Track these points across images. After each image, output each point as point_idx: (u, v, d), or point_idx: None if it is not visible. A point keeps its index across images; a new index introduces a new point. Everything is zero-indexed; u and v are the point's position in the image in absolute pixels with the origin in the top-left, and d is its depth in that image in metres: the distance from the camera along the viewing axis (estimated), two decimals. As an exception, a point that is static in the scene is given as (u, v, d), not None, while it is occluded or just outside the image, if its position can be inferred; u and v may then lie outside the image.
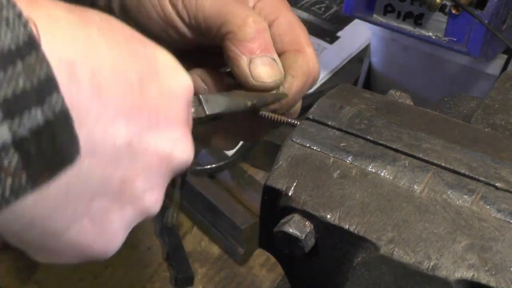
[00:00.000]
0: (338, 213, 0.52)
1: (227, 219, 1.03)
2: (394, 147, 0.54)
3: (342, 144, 0.55)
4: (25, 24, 0.35)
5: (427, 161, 0.53)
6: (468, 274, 0.48)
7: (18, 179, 0.36)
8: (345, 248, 0.52)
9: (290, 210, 0.53)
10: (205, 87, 0.63)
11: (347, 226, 0.51)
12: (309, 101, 0.76)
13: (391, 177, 0.53)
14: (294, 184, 0.53)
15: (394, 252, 0.49)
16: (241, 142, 1.08)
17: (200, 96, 0.57)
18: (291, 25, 0.64)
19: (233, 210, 1.04)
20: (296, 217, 0.52)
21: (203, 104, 0.56)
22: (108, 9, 0.67)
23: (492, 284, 0.47)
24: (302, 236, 0.51)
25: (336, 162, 0.54)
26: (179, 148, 0.46)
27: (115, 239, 0.45)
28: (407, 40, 1.06)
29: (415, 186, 0.52)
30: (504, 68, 1.02)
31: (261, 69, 0.60)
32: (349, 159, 0.54)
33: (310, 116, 0.57)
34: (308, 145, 0.55)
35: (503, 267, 0.48)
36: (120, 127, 0.41)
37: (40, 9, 0.38)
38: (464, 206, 0.51)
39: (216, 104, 0.57)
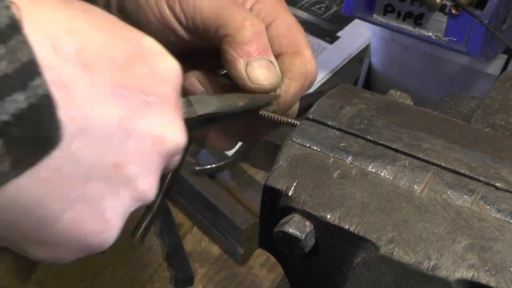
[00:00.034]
0: (338, 213, 0.52)
1: (227, 219, 1.03)
2: (394, 147, 0.54)
3: (342, 144, 0.55)
4: (7, 7, 0.35)
5: (427, 161, 0.53)
6: (468, 274, 0.48)
7: (2, 164, 0.36)
8: (345, 248, 0.52)
9: (290, 210, 0.53)
10: (203, 89, 0.63)
11: (347, 226, 0.51)
12: (309, 101, 0.76)
13: (391, 177, 0.53)
14: (294, 184, 0.53)
15: (394, 252, 0.49)
16: (241, 142, 1.08)
17: (190, 97, 0.56)
18: (289, 27, 0.64)
19: (233, 210, 1.04)
20: (296, 217, 0.52)
21: (194, 105, 0.55)
22: (106, 10, 0.67)
23: (492, 284, 0.47)
24: (302, 236, 0.51)
25: (336, 162, 0.54)
26: (171, 130, 0.46)
27: (112, 227, 0.45)
28: (407, 40, 1.06)
29: (415, 186, 0.52)
30: (504, 68, 1.02)
31: (258, 71, 0.60)
32: (349, 159, 0.54)
33: (310, 116, 0.57)
34: (308, 145, 0.55)
35: (503, 267, 0.48)
36: (110, 107, 0.41)
37: None
38: (464, 206, 0.51)
39: (207, 104, 0.56)
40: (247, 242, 1.02)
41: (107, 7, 0.67)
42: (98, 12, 0.43)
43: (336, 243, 0.52)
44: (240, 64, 0.60)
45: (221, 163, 1.09)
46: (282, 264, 0.59)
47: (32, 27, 0.37)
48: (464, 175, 0.52)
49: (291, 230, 0.52)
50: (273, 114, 0.61)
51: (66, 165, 0.40)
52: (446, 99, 0.76)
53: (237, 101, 0.59)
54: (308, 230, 0.52)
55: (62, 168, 0.40)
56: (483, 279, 0.47)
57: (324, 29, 1.33)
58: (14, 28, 0.35)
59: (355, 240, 0.51)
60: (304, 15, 1.36)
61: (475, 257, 0.48)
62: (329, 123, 0.56)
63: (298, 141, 0.56)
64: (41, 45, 0.37)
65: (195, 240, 1.07)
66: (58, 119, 0.38)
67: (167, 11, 0.63)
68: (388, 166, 0.53)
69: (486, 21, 0.91)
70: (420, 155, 0.53)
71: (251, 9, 0.65)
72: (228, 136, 0.67)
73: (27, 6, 0.38)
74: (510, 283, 0.47)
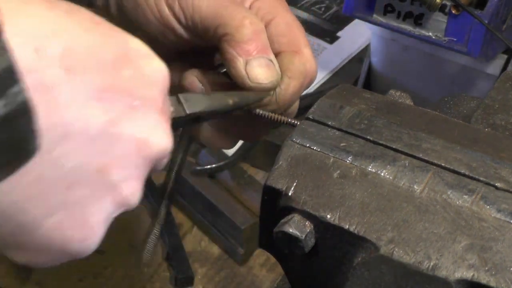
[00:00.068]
0: (338, 213, 0.52)
1: (227, 219, 1.03)
2: (394, 147, 0.54)
3: (342, 144, 0.55)
4: None
5: (427, 161, 0.53)
6: (468, 274, 0.48)
7: None
8: (345, 248, 0.52)
9: (290, 210, 0.53)
10: (202, 87, 0.63)
11: (347, 226, 0.51)
12: (309, 101, 0.76)
13: (391, 177, 0.53)
14: (294, 184, 0.53)
15: (394, 252, 0.49)
16: (240, 142, 1.08)
17: (179, 95, 0.55)
18: (288, 25, 0.64)
19: (233, 210, 1.04)
20: (296, 217, 0.52)
21: (183, 104, 0.54)
22: (105, 10, 0.67)
23: (492, 284, 0.47)
24: (302, 236, 0.51)
25: (336, 162, 0.54)
26: (157, 135, 0.45)
27: (95, 233, 0.44)
28: (407, 40, 1.06)
29: (415, 186, 0.52)
30: (504, 68, 1.02)
31: (258, 70, 0.60)
32: (349, 159, 0.54)
33: (310, 116, 0.57)
34: (308, 145, 0.55)
35: (503, 267, 0.48)
36: (94, 111, 0.40)
37: None
38: (464, 206, 0.51)
39: (196, 103, 0.55)
40: (247, 242, 1.02)
41: (106, 7, 0.67)
42: (83, 13, 0.42)
43: (336, 243, 0.52)
44: (240, 63, 0.60)
45: (221, 163, 1.09)
46: (282, 264, 0.59)
47: (14, 30, 0.36)
48: (464, 175, 0.52)
49: (291, 230, 0.52)
50: (273, 114, 0.61)
51: (48, 170, 0.39)
52: (446, 99, 0.76)
53: (227, 99, 0.58)
54: (308, 230, 0.52)
55: (44, 174, 0.39)
56: (483, 279, 0.47)
57: (324, 29, 1.33)
58: None
59: (355, 240, 0.51)
60: (304, 15, 1.36)
61: (475, 257, 0.48)
62: (329, 123, 0.56)
63: (298, 141, 0.56)
64: (23, 49, 0.37)
65: (195, 240, 1.07)
66: (36, 127, 0.37)
67: (166, 10, 0.63)
68: (388, 166, 0.53)
69: (486, 21, 0.91)
70: (420, 155, 0.53)
71: (250, 7, 0.64)
72: (228, 136, 0.67)
73: (9, 9, 0.37)
74: (510, 283, 0.47)
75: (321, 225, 0.52)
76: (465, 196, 0.51)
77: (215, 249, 1.06)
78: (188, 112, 0.54)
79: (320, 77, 1.24)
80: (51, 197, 0.40)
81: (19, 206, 0.39)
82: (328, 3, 1.39)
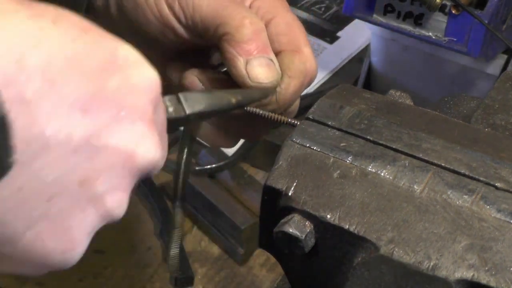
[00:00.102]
0: (338, 213, 0.52)
1: (227, 219, 1.03)
2: (394, 147, 0.54)
3: (342, 144, 0.55)
4: None
5: (427, 161, 0.53)
6: (468, 274, 0.48)
7: None
8: (345, 248, 0.52)
9: (290, 210, 0.53)
10: (203, 87, 0.63)
11: (347, 226, 0.51)
12: (309, 101, 0.76)
13: (391, 177, 0.53)
14: (294, 184, 0.53)
15: (394, 252, 0.49)
16: (240, 142, 1.08)
17: (179, 94, 0.54)
18: (288, 24, 0.64)
19: (233, 210, 1.04)
20: (296, 217, 0.52)
21: (183, 103, 0.53)
22: (105, 10, 0.67)
23: (492, 284, 0.47)
24: (302, 236, 0.51)
25: (336, 162, 0.54)
26: (144, 146, 0.43)
27: (77, 245, 0.43)
28: (407, 40, 1.06)
29: (415, 186, 0.52)
30: (504, 68, 1.02)
31: (258, 70, 0.60)
32: (349, 159, 0.54)
33: (310, 116, 0.57)
34: (308, 145, 0.55)
35: (503, 267, 0.48)
36: (76, 122, 0.40)
37: None
38: (464, 206, 0.51)
39: (196, 102, 0.54)
40: (247, 242, 1.02)
41: (106, 7, 0.67)
42: (71, 20, 0.41)
43: (336, 243, 0.52)
44: (240, 62, 0.60)
45: (221, 163, 1.09)
46: (282, 264, 0.59)
47: None
48: (464, 175, 0.52)
49: (291, 230, 0.52)
50: (273, 114, 0.61)
51: (28, 183, 0.39)
52: (446, 99, 0.76)
53: (230, 98, 0.57)
54: (308, 230, 0.52)
55: (23, 187, 0.39)
56: (483, 279, 0.47)
57: (324, 29, 1.33)
58: None
59: (355, 240, 0.51)
60: (304, 15, 1.36)
61: (475, 257, 0.48)
62: (329, 123, 0.56)
63: (298, 141, 0.56)
64: (4, 61, 0.36)
65: (195, 240, 1.07)
66: (11, 143, 0.37)
67: (166, 10, 0.63)
68: (388, 166, 0.53)
69: (486, 21, 0.91)
70: (420, 155, 0.53)
71: (250, 7, 0.64)
72: (228, 135, 0.67)
73: None
74: (510, 283, 0.47)
75: (321, 225, 0.52)
76: (465, 196, 0.51)
77: (215, 249, 1.06)
78: (188, 112, 0.53)
79: (320, 77, 1.24)
80: (32, 209, 0.40)
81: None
82: (328, 3, 1.39)
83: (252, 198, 1.05)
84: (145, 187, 1.07)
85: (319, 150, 0.55)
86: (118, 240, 1.02)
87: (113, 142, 0.42)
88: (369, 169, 0.53)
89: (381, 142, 0.55)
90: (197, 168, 1.08)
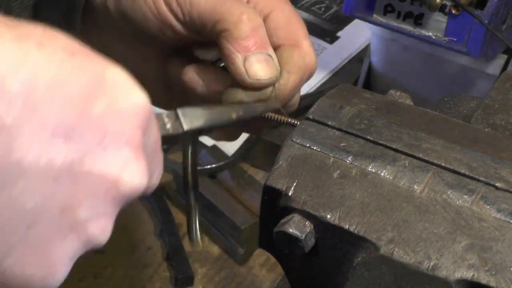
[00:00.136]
0: (338, 213, 0.52)
1: (227, 219, 1.03)
2: (394, 147, 0.54)
3: (342, 144, 0.55)
4: None
5: (427, 161, 0.53)
6: (468, 274, 0.48)
7: None
8: (345, 248, 0.52)
9: (290, 210, 0.53)
10: (202, 83, 0.63)
11: (347, 226, 0.51)
12: (309, 101, 0.76)
13: (391, 177, 0.53)
14: (294, 184, 0.53)
15: (394, 252, 0.49)
16: (241, 142, 1.08)
17: (178, 110, 0.52)
18: (287, 18, 0.63)
19: (233, 210, 1.04)
20: (296, 217, 0.52)
21: (181, 119, 0.52)
22: (103, 8, 0.67)
23: (492, 284, 0.47)
24: (302, 236, 0.51)
25: (336, 162, 0.54)
26: (129, 172, 0.42)
27: (57, 271, 0.42)
28: (407, 40, 1.06)
29: (415, 186, 0.52)
30: (504, 68, 1.02)
31: (257, 66, 0.59)
32: (349, 159, 0.54)
33: (310, 116, 0.57)
34: (308, 145, 0.55)
35: (503, 267, 0.48)
36: (58, 148, 0.39)
37: None
38: (464, 206, 0.51)
39: (195, 118, 0.53)
40: (247, 242, 1.02)
41: (104, 5, 0.66)
42: (58, 43, 0.40)
43: (336, 243, 0.52)
44: (238, 59, 0.59)
45: (221, 163, 1.09)
46: (282, 264, 0.59)
47: None
48: (464, 175, 0.52)
49: (291, 230, 0.52)
50: (273, 114, 0.61)
51: (7, 211, 0.38)
52: (446, 99, 0.75)
53: (231, 113, 0.56)
54: (308, 230, 0.52)
55: (2, 213, 0.38)
56: (483, 279, 0.47)
57: (324, 29, 1.33)
58: None
59: (355, 240, 0.51)
60: (304, 15, 1.36)
61: (475, 257, 0.48)
62: (329, 123, 0.56)
63: (298, 141, 0.55)
64: None
65: (195, 240, 1.07)
66: None
67: (163, 7, 0.63)
68: (388, 166, 0.53)
69: (486, 21, 0.91)
70: (420, 155, 0.53)
71: (248, 1, 0.64)
72: (229, 131, 0.68)
73: None
74: (510, 283, 0.47)
75: (321, 225, 0.52)
76: (465, 196, 0.51)
77: (215, 249, 1.06)
78: (186, 128, 0.52)
79: (320, 77, 1.24)
80: (11, 235, 0.39)
81: None
82: (328, 3, 1.39)
83: (252, 198, 1.05)
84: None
85: (319, 150, 0.55)
86: (118, 240, 1.01)
87: (97, 169, 0.41)
88: (369, 169, 0.53)
89: (381, 142, 0.55)
90: (197, 168, 1.08)
